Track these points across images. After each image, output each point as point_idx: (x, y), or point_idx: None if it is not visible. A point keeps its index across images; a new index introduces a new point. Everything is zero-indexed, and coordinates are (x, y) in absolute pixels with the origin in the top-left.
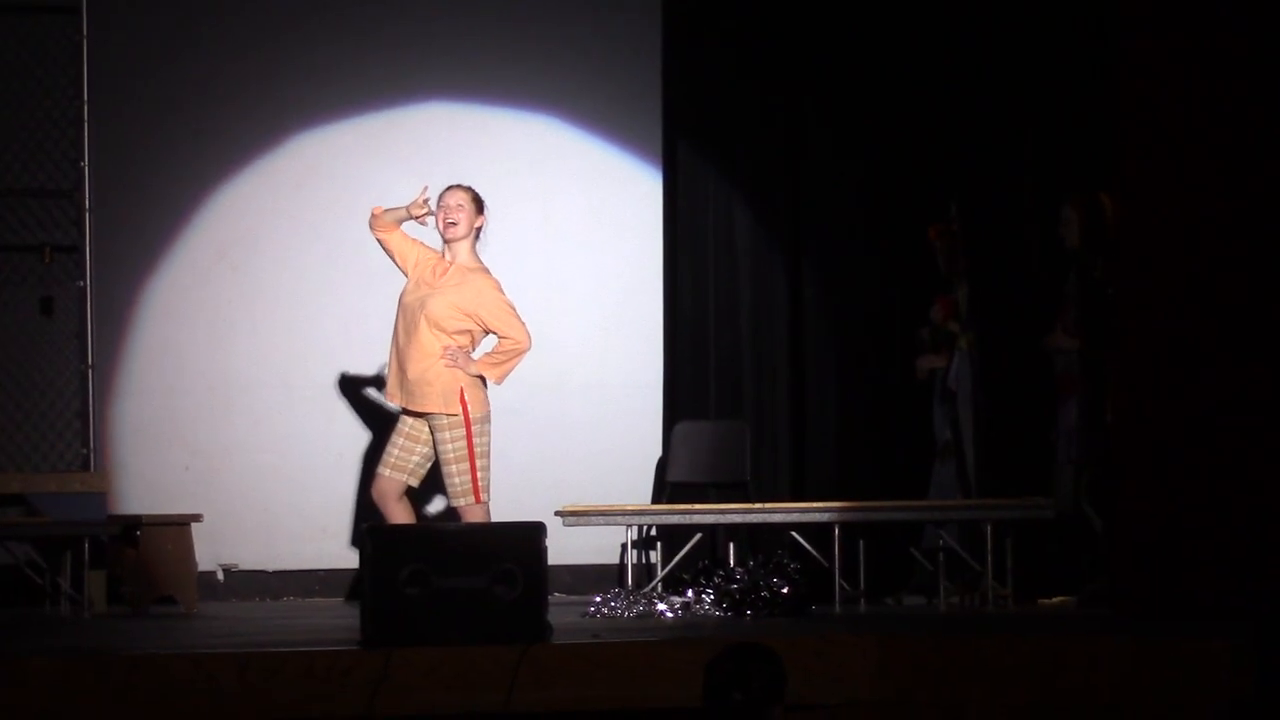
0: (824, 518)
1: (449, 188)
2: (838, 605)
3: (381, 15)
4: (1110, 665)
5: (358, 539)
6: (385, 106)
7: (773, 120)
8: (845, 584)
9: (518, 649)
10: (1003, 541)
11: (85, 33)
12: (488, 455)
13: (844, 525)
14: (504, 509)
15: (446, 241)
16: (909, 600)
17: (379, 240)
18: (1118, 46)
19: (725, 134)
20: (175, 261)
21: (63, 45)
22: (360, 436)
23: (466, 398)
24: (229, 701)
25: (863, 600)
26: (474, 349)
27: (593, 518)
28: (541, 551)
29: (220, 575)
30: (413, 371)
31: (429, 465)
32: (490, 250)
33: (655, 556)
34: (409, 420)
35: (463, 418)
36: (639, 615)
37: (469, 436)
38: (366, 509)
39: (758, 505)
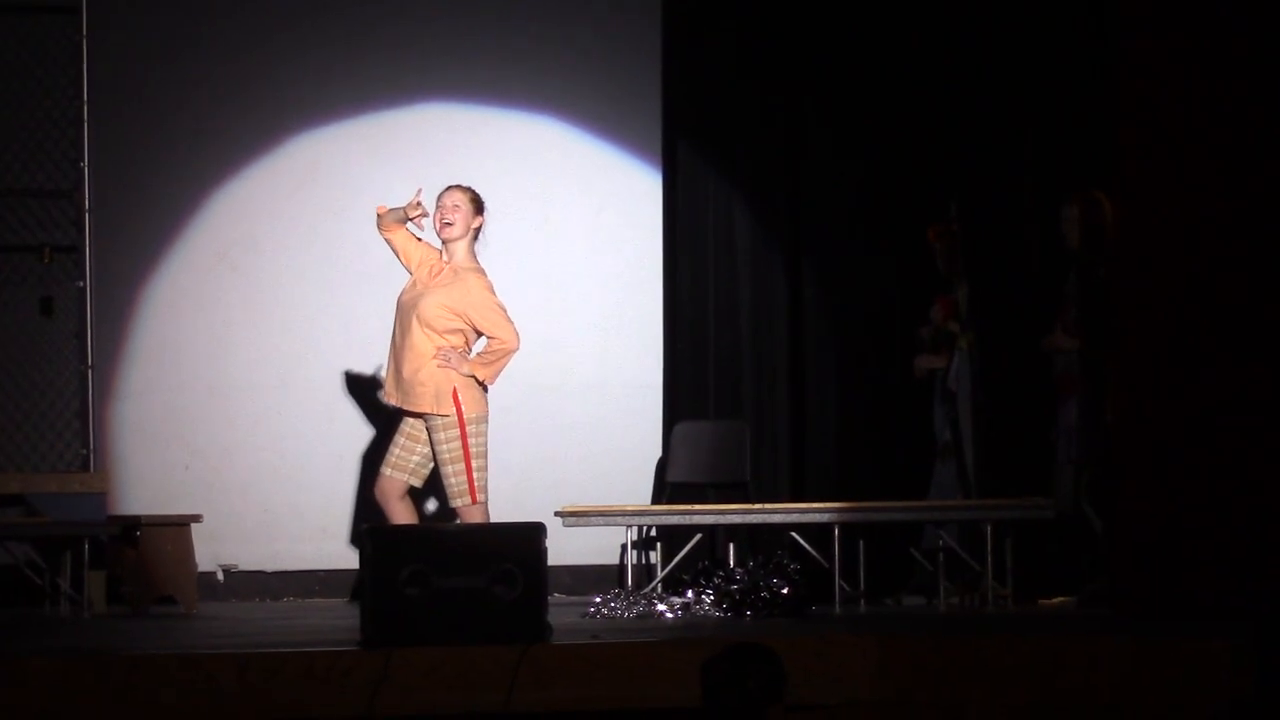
0: (824, 518)
1: (447, 188)
2: (837, 606)
3: (381, 15)
4: (1110, 665)
5: (356, 539)
6: (385, 107)
7: (773, 120)
8: (845, 584)
9: (518, 649)
10: (1003, 541)
11: (85, 33)
12: (485, 456)
13: (844, 525)
14: (504, 509)
15: (444, 242)
16: (909, 600)
17: (385, 240)
18: (1118, 46)
19: (725, 134)
20: (175, 262)
21: (63, 45)
22: (360, 436)
23: (460, 398)
24: (229, 702)
25: (862, 600)
26: (468, 349)
27: (593, 518)
28: (541, 552)
29: (220, 575)
30: (407, 371)
31: (430, 465)
32: (490, 251)
33: (655, 557)
34: (410, 420)
35: (456, 418)
36: (639, 616)
37: (463, 437)
38: (367, 509)
39: (757, 506)
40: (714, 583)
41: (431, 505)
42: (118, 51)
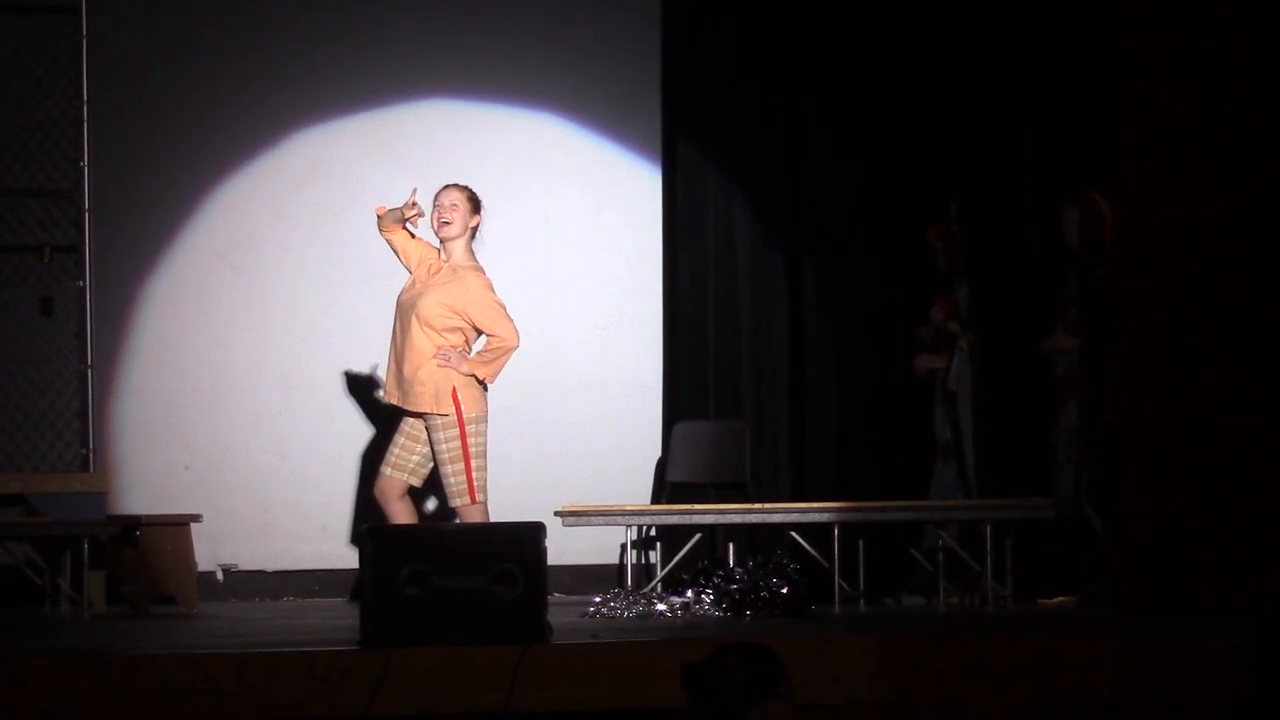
0: (824, 518)
1: (444, 187)
2: (837, 605)
3: (381, 14)
4: (1110, 665)
5: (356, 539)
6: (385, 105)
7: (773, 120)
8: (845, 584)
9: (517, 649)
10: (1003, 541)
11: (85, 33)
12: (484, 455)
13: (844, 525)
14: (504, 509)
15: (441, 240)
16: (909, 600)
17: (386, 240)
18: (1117, 46)
19: (725, 133)
20: (175, 261)
21: (62, 45)
22: (360, 436)
23: (460, 397)
24: (229, 702)
25: (862, 600)
26: (468, 348)
27: (592, 518)
28: (541, 551)
29: (220, 575)
30: (407, 371)
31: (430, 464)
32: (490, 250)
33: (655, 557)
34: (409, 420)
35: (455, 417)
36: (638, 615)
37: (462, 436)
38: (366, 508)
39: (757, 505)
40: (714, 582)
41: (431, 505)
42: (118, 51)
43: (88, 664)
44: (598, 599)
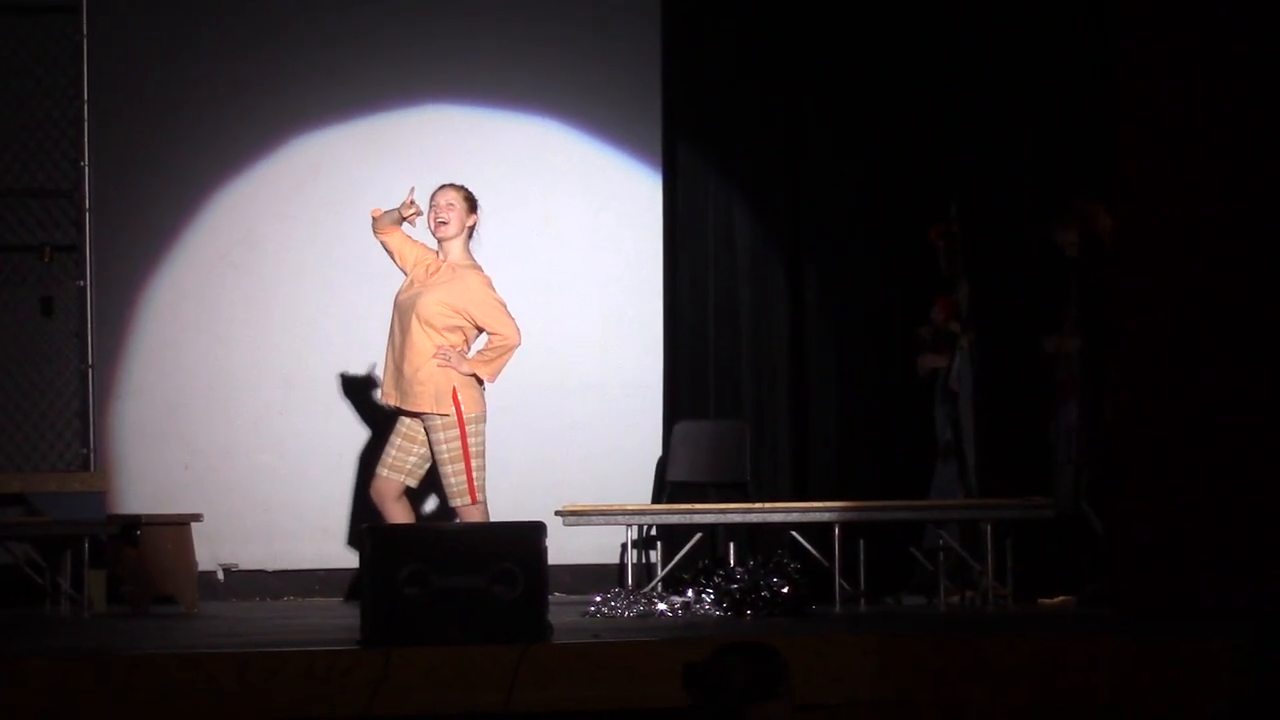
0: (824, 517)
1: (440, 187)
2: (838, 605)
3: (382, 16)
4: (1110, 665)
5: (355, 539)
6: (386, 108)
7: (773, 121)
8: (845, 584)
9: (518, 649)
10: (1003, 541)
11: (85, 32)
12: (483, 455)
13: (844, 525)
14: (504, 509)
15: (438, 240)
16: (909, 600)
17: (381, 242)
18: (1117, 47)
19: (725, 134)
20: (175, 261)
21: (63, 45)
22: (360, 436)
23: (460, 397)
24: (229, 702)
25: (863, 600)
26: (468, 347)
27: (593, 517)
28: (541, 551)
29: (220, 575)
30: (406, 371)
31: (427, 465)
32: (490, 251)
33: (655, 556)
34: (406, 420)
35: (456, 418)
36: (639, 615)
37: (463, 436)
38: (364, 509)
39: (758, 505)
40: (714, 582)
41: (429, 506)
42: (118, 51)
43: (88, 664)
44: (598, 598)
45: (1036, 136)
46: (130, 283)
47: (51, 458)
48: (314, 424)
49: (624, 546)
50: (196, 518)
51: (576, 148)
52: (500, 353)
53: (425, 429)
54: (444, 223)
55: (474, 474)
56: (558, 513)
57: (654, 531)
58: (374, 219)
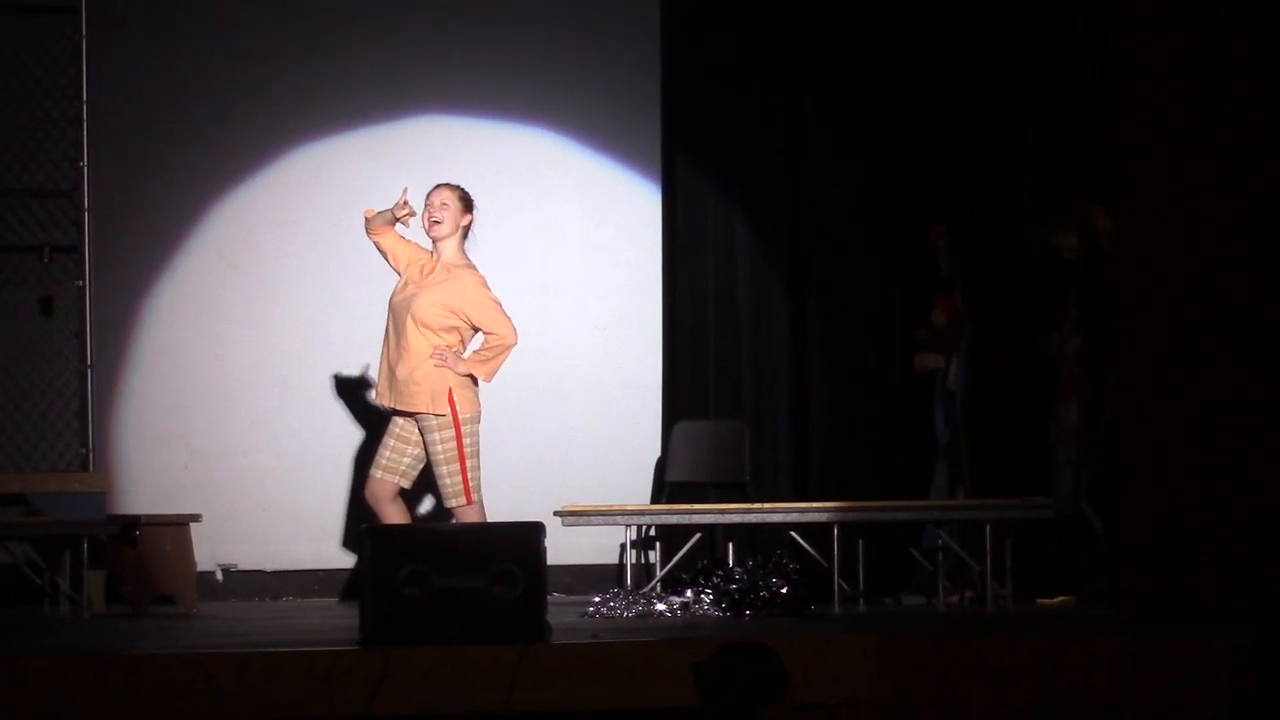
0: (823, 518)
1: (435, 186)
2: (837, 605)
3: (382, 27)
4: (1110, 665)
5: (350, 540)
6: (384, 116)
7: (773, 119)
8: (844, 584)
9: (517, 649)
10: (1002, 541)
11: (85, 33)
12: (478, 455)
13: (843, 525)
14: (503, 509)
15: (433, 240)
16: (908, 600)
17: (374, 243)
18: (1118, 46)
19: (725, 135)
20: (175, 262)
21: (62, 45)
22: (359, 437)
23: (455, 398)
24: (228, 702)
25: (862, 600)
26: (464, 347)
27: (592, 518)
28: (541, 551)
29: (219, 575)
30: (401, 372)
31: (421, 466)
32: (489, 253)
33: (654, 556)
34: (399, 421)
35: (451, 418)
36: (638, 615)
37: (458, 437)
38: (361, 510)
39: (757, 505)
40: (713, 582)
41: (424, 507)
42: (118, 51)
43: (87, 664)
44: (597, 599)
45: (1036, 137)
46: (129, 283)
47: (51, 458)
48: (313, 424)
49: (623, 547)
50: (195, 518)
51: (575, 153)
52: (497, 352)
53: (420, 430)
54: (438, 222)
55: (469, 474)
56: (557, 513)
57: (653, 532)
58: (367, 220)
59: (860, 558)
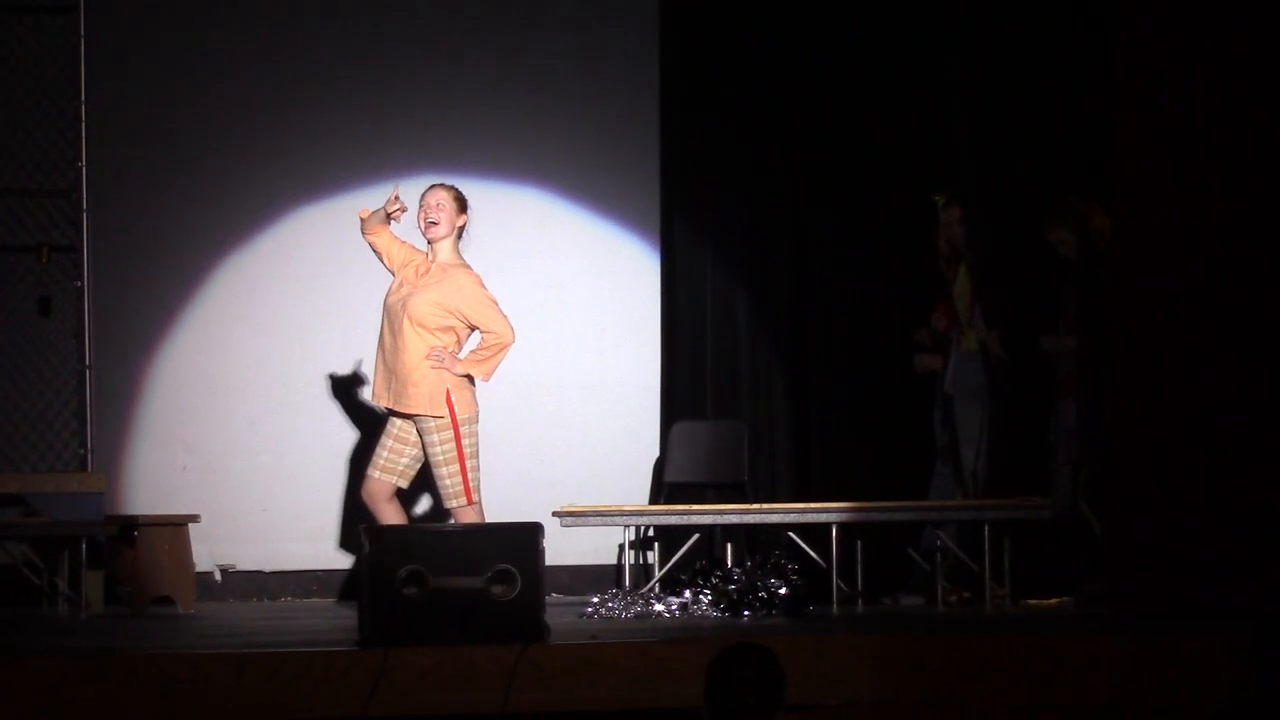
0: (822, 518)
1: (430, 187)
2: (835, 606)
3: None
4: (1110, 665)
5: (348, 540)
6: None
7: (773, 119)
8: (843, 585)
9: (515, 649)
10: (1001, 542)
11: (83, 33)
12: (477, 455)
13: (842, 526)
14: (502, 510)
15: (428, 241)
16: (907, 601)
17: (369, 243)
18: (1118, 46)
19: (726, 135)
20: (173, 262)
21: (61, 45)
22: (358, 438)
23: (453, 399)
24: (226, 702)
25: (860, 601)
26: (460, 347)
27: (590, 518)
28: (539, 552)
29: (218, 576)
30: (399, 373)
31: (418, 466)
32: (488, 254)
33: (653, 557)
34: (397, 422)
35: (450, 419)
36: (637, 616)
37: (457, 438)
38: (359, 510)
39: (755, 506)
40: (712, 583)
41: (421, 507)
42: (116, 51)
43: (86, 664)
44: (596, 599)
45: (1036, 137)
46: (128, 283)
47: (49, 458)
48: (312, 425)
49: (621, 547)
50: (194, 518)
51: (573, 151)
52: (495, 351)
53: (418, 430)
54: (434, 223)
55: (469, 474)
56: (555, 513)
57: (651, 532)
58: (362, 220)
59: (859, 558)
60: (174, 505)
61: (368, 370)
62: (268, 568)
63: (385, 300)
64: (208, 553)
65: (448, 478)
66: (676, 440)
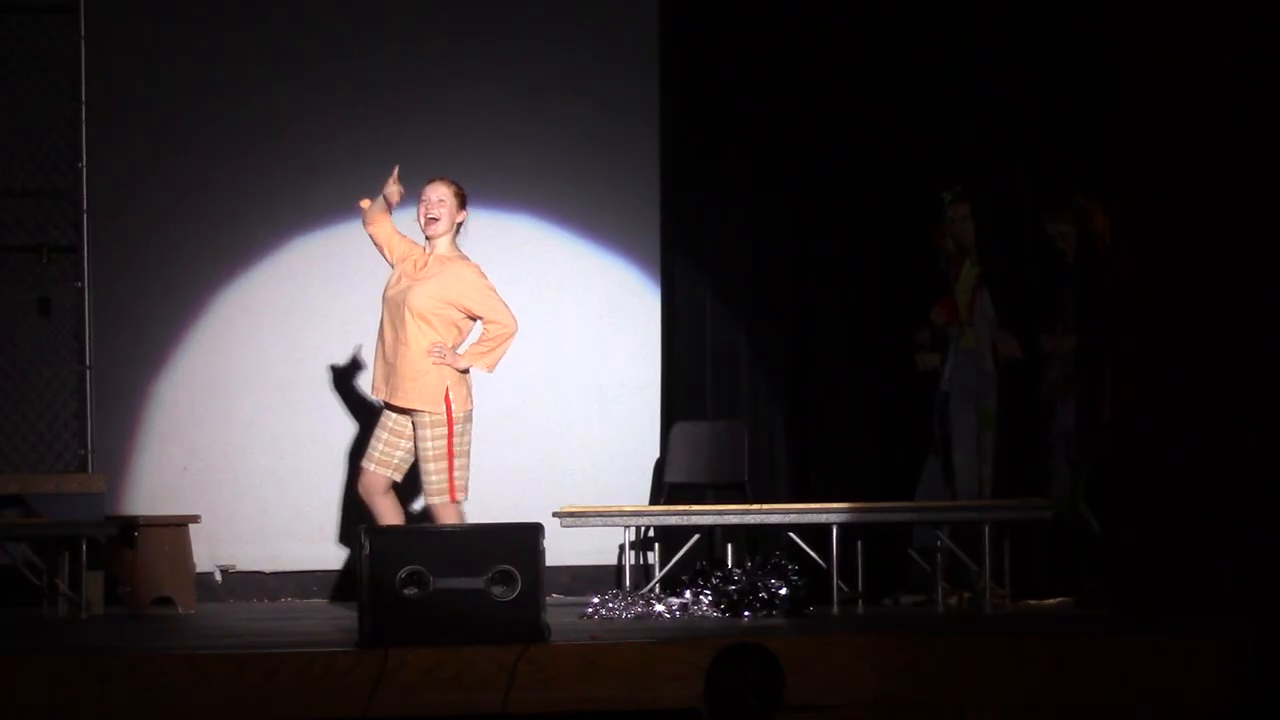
0: (822, 519)
1: (431, 181)
2: (835, 606)
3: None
4: (1110, 665)
5: (347, 541)
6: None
7: (773, 114)
8: (843, 585)
9: (515, 650)
10: (1000, 542)
11: (83, 33)
12: (467, 455)
13: (842, 526)
14: (502, 510)
15: (427, 237)
16: (907, 601)
17: (369, 235)
18: (1117, 46)
19: (726, 136)
20: (172, 262)
21: (61, 45)
22: (358, 437)
23: (451, 396)
24: (227, 702)
25: (860, 601)
26: (462, 340)
27: (591, 519)
28: (539, 552)
29: (218, 576)
30: (399, 367)
31: (413, 460)
32: (487, 254)
33: (653, 557)
34: (393, 415)
35: (445, 415)
36: (637, 616)
37: (450, 435)
38: (357, 511)
39: (755, 506)
40: (712, 583)
41: (419, 504)
42: (116, 52)
43: (86, 665)
44: (596, 600)
45: (1036, 136)
46: (127, 284)
47: (49, 459)
48: (311, 425)
49: (622, 548)
50: (194, 519)
51: (570, 146)
52: (499, 341)
53: (413, 424)
54: (435, 219)
55: (456, 472)
56: (556, 514)
57: (652, 533)
58: (363, 211)
59: (859, 559)
60: (174, 505)
61: (365, 357)
62: (268, 568)
63: (385, 294)
64: (208, 553)
65: (434, 473)
66: (676, 441)
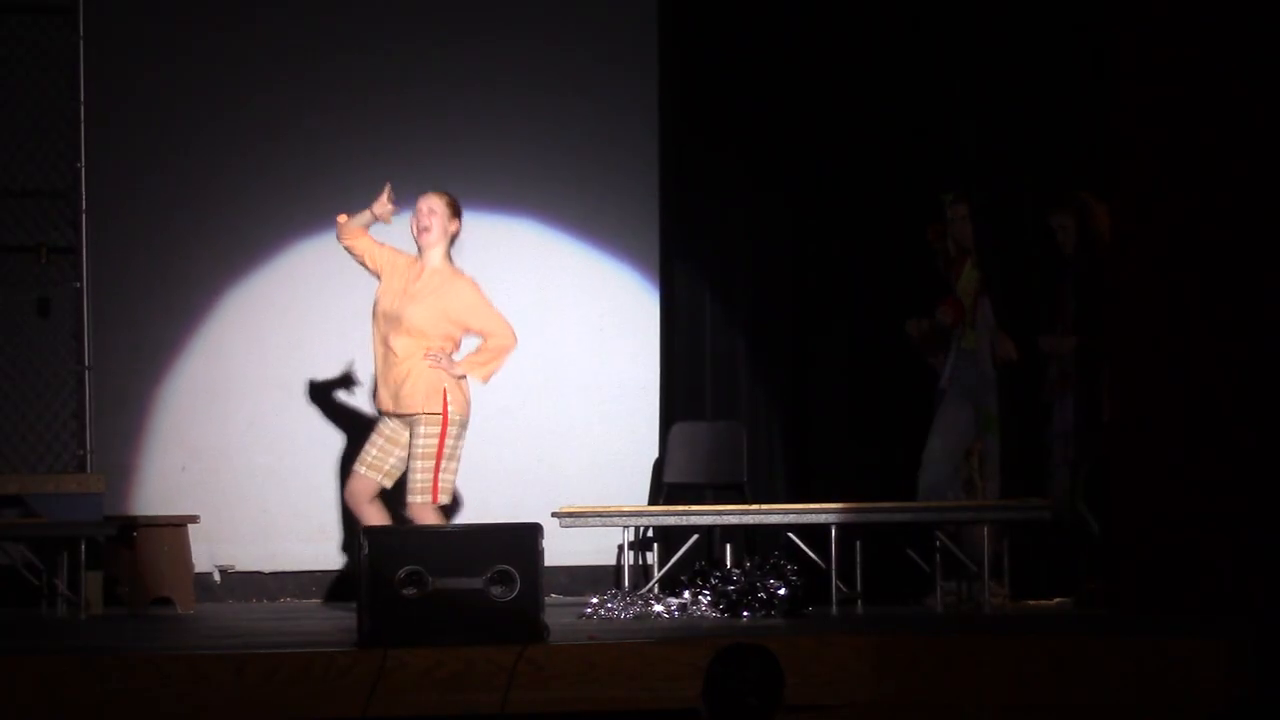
0: (821, 519)
1: (424, 194)
2: (834, 606)
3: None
4: (1110, 665)
5: (346, 541)
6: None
7: (775, 116)
8: (842, 585)
9: (514, 650)
10: (1000, 542)
11: (82, 33)
12: (457, 460)
13: (841, 526)
14: (501, 510)
15: (420, 248)
16: (906, 602)
17: (346, 248)
18: (1117, 46)
19: (725, 137)
20: (171, 262)
21: (59, 46)
22: (357, 438)
23: (449, 398)
24: (226, 702)
25: (859, 601)
26: (457, 349)
27: (590, 519)
28: (538, 552)
29: (217, 576)
30: (398, 376)
31: (404, 468)
32: (487, 256)
33: (652, 558)
34: (390, 423)
35: (441, 416)
36: (636, 616)
37: (442, 436)
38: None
39: (754, 506)
40: (711, 583)
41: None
42: (115, 52)
43: (85, 664)
44: (595, 600)
45: (1036, 136)
46: (126, 284)
47: (49, 459)
48: (311, 425)
49: (621, 548)
50: (193, 519)
51: (568, 140)
52: (496, 354)
53: (410, 427)
54: (426, 229)
55: (442, 475)
56: (555, 514)
57: (650, 533)
58: (340, 226)
59: (858, 559)
60: (174, 506)
61: (358, 373)
62: (267, 568)
63: (376, 309)
64: (207, 553)
65: (420, 472)
66: (675, 441)
